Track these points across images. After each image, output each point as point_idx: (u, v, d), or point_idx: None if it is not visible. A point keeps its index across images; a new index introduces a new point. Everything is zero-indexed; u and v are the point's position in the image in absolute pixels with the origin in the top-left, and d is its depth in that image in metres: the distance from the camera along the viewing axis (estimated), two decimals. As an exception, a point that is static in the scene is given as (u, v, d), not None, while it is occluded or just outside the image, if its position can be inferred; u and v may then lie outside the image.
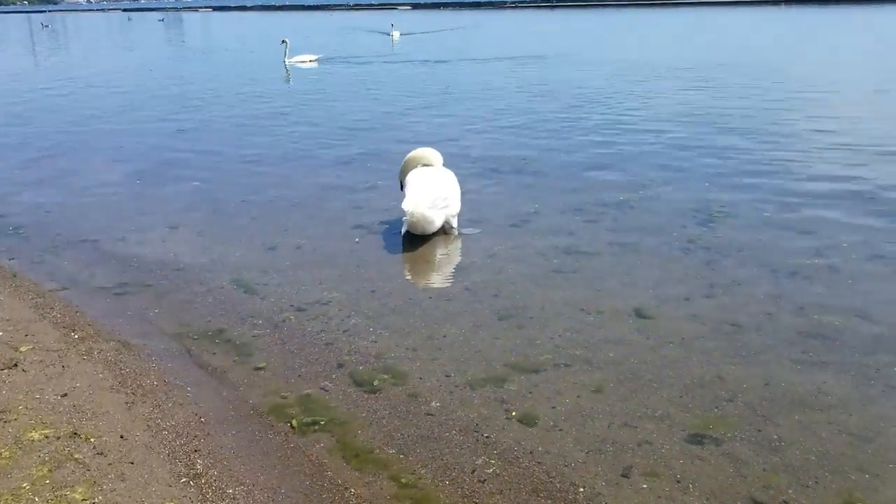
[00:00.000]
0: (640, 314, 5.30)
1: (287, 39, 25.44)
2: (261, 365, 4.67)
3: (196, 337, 5.09)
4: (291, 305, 5.54)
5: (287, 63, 24.87)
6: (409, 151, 7.53)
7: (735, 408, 4.10)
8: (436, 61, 24.74)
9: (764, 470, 3.58)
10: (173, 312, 5.50)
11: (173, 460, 3.64)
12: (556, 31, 35.79)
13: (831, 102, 14.63)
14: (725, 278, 5.88)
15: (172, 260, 6.58)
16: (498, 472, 3.61)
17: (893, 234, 6.71)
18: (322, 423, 4.03)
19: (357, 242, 6.80)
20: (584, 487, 3.50)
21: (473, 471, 3.62)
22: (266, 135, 12.53)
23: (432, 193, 6.83)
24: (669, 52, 26.45)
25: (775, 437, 3.84)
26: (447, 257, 6.71)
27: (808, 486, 3.46)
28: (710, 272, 6.01)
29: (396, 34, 36.63)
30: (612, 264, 6.24)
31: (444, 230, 7.07)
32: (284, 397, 4.29)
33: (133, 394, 4.28)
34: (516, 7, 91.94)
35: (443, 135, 11.91)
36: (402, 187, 7.44)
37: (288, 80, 21.37)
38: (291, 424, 4.02)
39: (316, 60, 25.56)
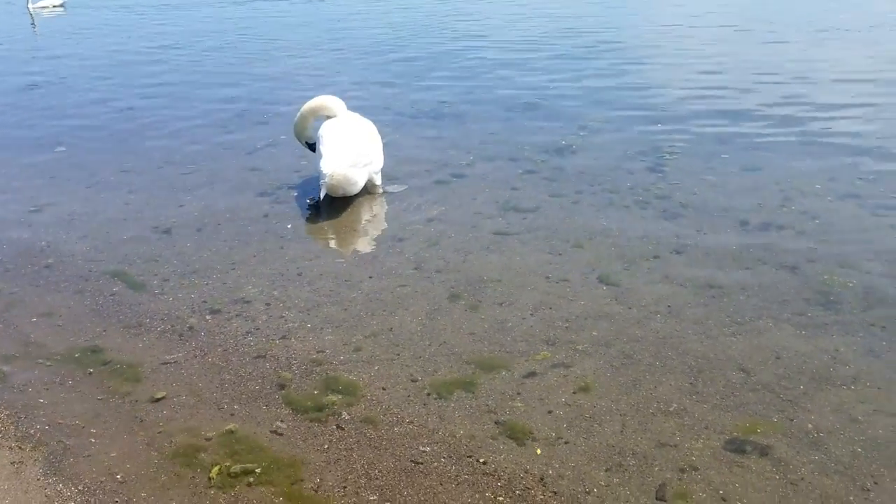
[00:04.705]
0: (611, 279, 4.68)
1: None
2: (166, 393, 3.68)
3: (87, 356, 4.04)
4: (203, 304, 4.56)
5: (31, 8, 22.53)
6: (305, 102, 6.43)
7: (755, 394, 3.55)
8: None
9: (813, 473, 3.05)
10: (51, 324, 4.39)
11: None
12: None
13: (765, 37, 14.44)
14: (689, 229, 5.34)
15: (41, 251, 5.38)
16: (510, 513, 2.90)
17: (858, 170, 6.32)
18: (257, 471, 3.14)
19: (289, 228, 5.69)
20: (616, 521, 2.86)
21: (480, 515, 2.91)
22: (136, 86, 10.95)
23: (352, 149, 5.89)
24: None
25: (810, 426, 3.32)
26: (376, 224, 5.85)
27: (867, 490, 2.96)
28: (672, 223, 5.45)
29: None
30: (564, 221, 5.57)
31: (367, 189, 6.18)
32: (208, 438, 3.37)
33: (20, 448, 3.26)
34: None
35: (343, 79, 10.81)
36: (307, 146, 6.44)
37: (34, 27, 19.06)
38: (210, 476, 3.11)
39: (61, 5, 23.21)
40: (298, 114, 6.34)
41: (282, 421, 3.46)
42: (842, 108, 8.15)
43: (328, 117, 6.29)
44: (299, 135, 6.44)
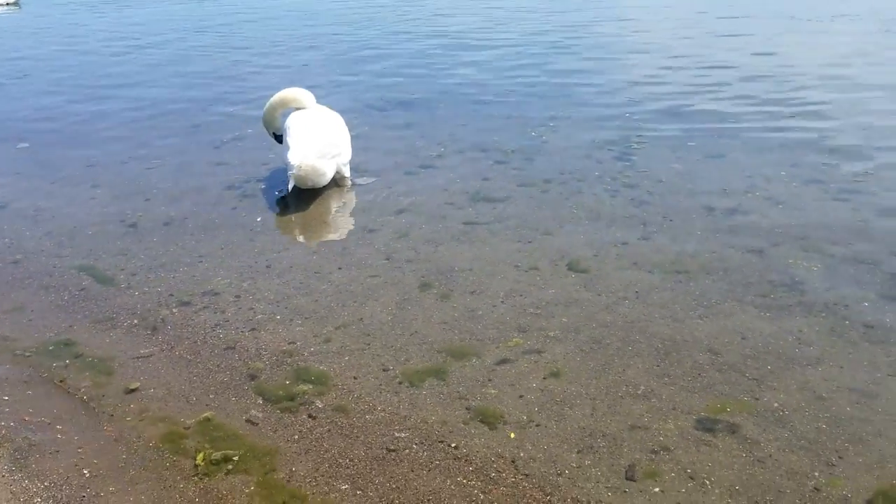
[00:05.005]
0: (580, 266, 4.72)
1: None
2: (135, 386, 3.65)
3: (58, 350, 3.98)
4: (171, 297, 4.51)
5: None
6: (273, 94, 6.38)
7: (722, 374, 3.60)
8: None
9: (780, 450, 3.10)
10: (19, 320, 4.33)
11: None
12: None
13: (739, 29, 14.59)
14: (657, 216, 5.39)
15: (6, 248, 5.29)
16: (482, 496, 2.92)
17: (821, 157, 6.40)
18: (235, 459, 3.13)
19: (258, 221, 5.63)
20: (587, 501, 2.88)
21: (453, 498, 2.91)
22: (98, 84, 10.78)
23: (320, 141, 5.87)
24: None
25: (776, 405, 3.38)
26: (346, 216, 5.82)
27: (833, 465, 3.02)
28: (640, 210, 5.50)
29: None
30: (534, 210, 5.60)
31: (336, 181, 6.16)
32: (187, 427, 3.35)
33: (-19, 445, 3.21)
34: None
35: (310, 72, 10.74)
36: (275, 137, 6.41)
37: None
38: (196, 462, 3.11)
39: (15, 3, 22.63)
40: (267, 104, 6.30)
41: (255, 410, 3.44)
42: (804, 99, 8.27)
43: (297, 109, 6.25)
44: (267, 125, 6.40)
